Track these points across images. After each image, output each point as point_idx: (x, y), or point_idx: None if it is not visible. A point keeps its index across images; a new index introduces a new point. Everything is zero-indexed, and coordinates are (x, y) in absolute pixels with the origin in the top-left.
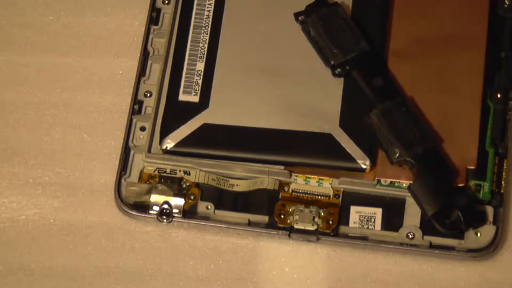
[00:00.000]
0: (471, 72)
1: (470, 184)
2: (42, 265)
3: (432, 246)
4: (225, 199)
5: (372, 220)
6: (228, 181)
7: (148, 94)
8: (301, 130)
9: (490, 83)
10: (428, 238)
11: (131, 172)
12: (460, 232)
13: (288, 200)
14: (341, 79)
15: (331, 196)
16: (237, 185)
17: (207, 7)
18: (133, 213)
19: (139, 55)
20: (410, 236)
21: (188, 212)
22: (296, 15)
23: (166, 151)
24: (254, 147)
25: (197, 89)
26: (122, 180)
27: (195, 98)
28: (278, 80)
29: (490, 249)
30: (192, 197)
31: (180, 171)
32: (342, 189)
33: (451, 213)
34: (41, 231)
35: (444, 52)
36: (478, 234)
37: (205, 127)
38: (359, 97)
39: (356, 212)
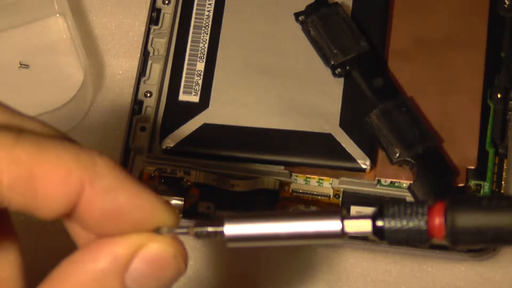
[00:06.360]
0: (471, 72)
1: (470, 184)
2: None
3: (432, 246)
4: (225, 199)
5: None
6: (229, 181)
7: (148, 94)
8: (301, 130)
9: (490, 83)
10: None
11: (131, 172)
12: None
13: (288, 200)
14: (341, 79)
15: (331, 196)
16: (237, 185)
17: (207, 7)
18: None
19: (139, 55)
20: None
21: (188, 212)
22: (296, 15)
23: (166, 151)
24: (254, 147)
25: (197, 89)
26: None
27: (195, 98)
28: (278, 80)
29: (490, 249)
30: (192, 197)
31: (180, 171)
32: (342, 189)
33: None
34: (42, 233)
35: (444, 52)
36: None
37: (205, 127)
38: (359, 97)
39: (356, 212)
